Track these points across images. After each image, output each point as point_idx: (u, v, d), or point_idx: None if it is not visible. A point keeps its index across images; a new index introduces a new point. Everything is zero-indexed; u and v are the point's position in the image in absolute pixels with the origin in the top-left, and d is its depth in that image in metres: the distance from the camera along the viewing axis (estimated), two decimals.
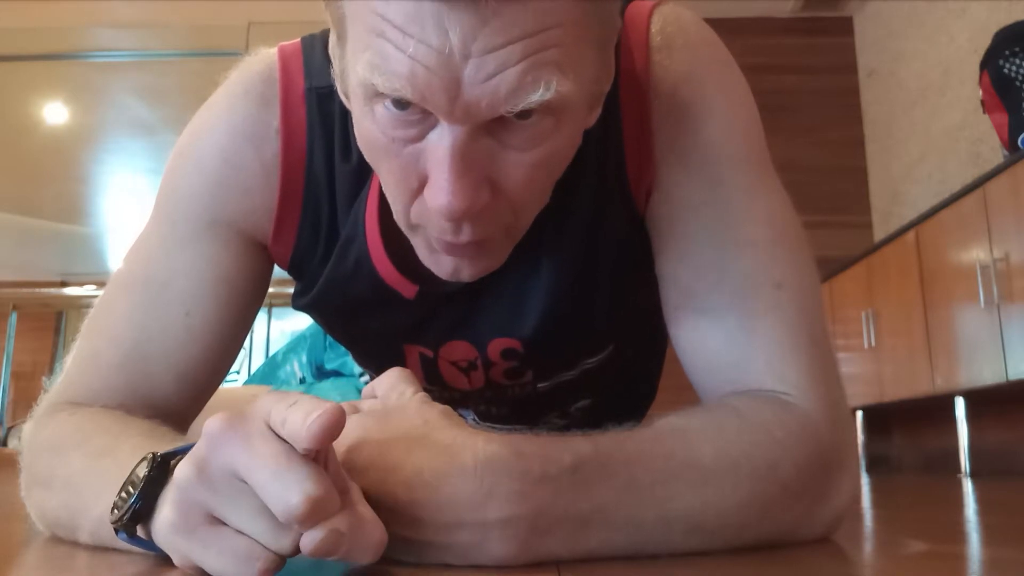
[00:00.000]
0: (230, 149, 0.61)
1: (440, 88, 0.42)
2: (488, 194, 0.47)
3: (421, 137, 0.46)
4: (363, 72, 0.44)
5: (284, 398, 0.36)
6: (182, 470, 0.36)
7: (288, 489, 0.34)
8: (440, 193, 0.45)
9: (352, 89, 0.49)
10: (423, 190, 0.48)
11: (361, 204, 0.62)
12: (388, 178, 0.50)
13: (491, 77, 0.42)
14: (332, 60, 0.52)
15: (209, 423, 0.36)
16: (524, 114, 0.45)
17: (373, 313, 0.66)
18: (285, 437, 0.35)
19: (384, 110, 0.46)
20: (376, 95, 0.45)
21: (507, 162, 0.47)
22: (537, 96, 0.43)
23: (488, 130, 0.46)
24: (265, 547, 0.36)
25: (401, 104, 0.44)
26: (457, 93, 0.42)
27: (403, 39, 0.42)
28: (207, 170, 0.62)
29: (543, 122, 0.46)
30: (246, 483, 0.35)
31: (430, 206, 0.47)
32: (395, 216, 0.54)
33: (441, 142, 0.45)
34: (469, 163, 0.45)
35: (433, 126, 0.45)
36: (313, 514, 0.34)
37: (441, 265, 0.54)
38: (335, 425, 0.34)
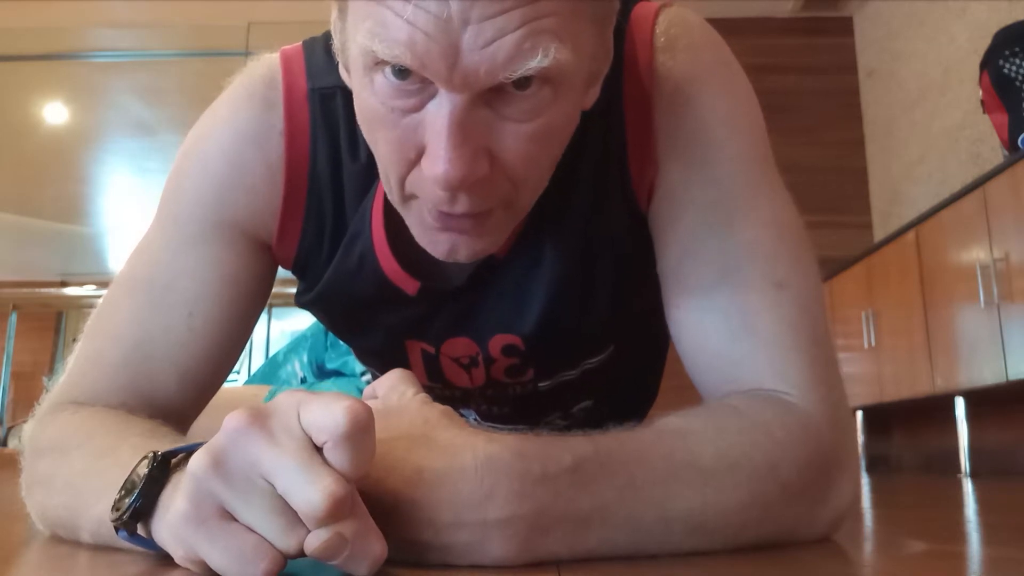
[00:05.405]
0: (234, 151, 0.62)
1: (439, 55, 0.43)
2: (486, 165, 0.47)
3: (420, 107, 0.46)
4: (363, 40, 0.45)
5: (307, 394, 0.37)
6: (198, 461, 0.36)
7: (312, 484, 0.34)
8: (438, 162, 0.45)
9: (352, 60, 0.49)
10: (420, 161, 0.48)
11: (369, 202, 0.62)
12: (384, 149, 0.50)
13: (489, 43, 0.42)
14: (333, 33, 0.53)
15: (230, 418, 0.36)
16: (522, 83, 0.45)
17: (375, 309, 0.66)
18: (312, 433, 0.35)
19: (384, 79, 0.46)
20: (376, 64, 0.46)
21: (505, 134, 0.47)
22: (535, 63, 0.43)
23: (486, 101, 0.46)
24: (272, 546, 0.36)
25: (401, 73, 0.45)
26: (456, 60, 0.43)
27: (403, 6, 0.43)
28: (212, 172, 0.62)
29: (541, 92, 0.46)
30: (264, 479, 0.35)
31: (427, 175, 0.47)
32: (387, 192, 0.54)
33: (440, 111, 0.45)
34: (467, 132, 0.45)
35: (432, 96, 0.46)
36: (334, 512, 0.34)
37: (437, 244, 0.53)
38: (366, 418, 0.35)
